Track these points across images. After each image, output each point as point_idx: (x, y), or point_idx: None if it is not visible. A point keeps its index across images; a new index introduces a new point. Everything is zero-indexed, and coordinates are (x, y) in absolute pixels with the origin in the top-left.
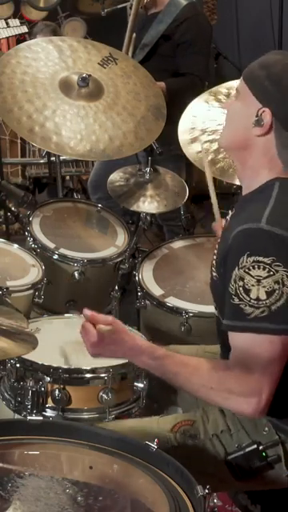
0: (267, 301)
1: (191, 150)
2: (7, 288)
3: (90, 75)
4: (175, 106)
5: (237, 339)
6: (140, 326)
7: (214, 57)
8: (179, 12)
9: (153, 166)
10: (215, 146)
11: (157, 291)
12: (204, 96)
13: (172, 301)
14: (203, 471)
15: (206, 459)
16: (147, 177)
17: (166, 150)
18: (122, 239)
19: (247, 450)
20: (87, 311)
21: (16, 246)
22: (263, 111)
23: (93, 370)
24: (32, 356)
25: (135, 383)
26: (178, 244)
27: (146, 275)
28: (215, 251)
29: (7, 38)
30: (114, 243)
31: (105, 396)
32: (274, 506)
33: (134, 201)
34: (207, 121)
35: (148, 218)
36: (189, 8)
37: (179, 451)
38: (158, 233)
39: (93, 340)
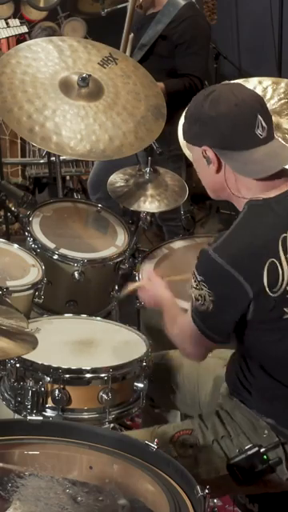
0: (196, 302)
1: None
2: (7, 288)
3: (89, 75)
4: (175, 106)
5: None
6: (140, 326)
7: (214, 57)
8: (177, 12)
9: (153, 166)
10: None
11: None
12: None
13: None
14: (205, 479)
15: (208, 466)
16: (147, 177)
17: (165, 150)
18: (122, 239)
19: (249, 453)
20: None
21: (16, 245)
22: (204, 150)
23: (93, 370)
24: (32, 356)
25: (135, 383)
26: (177, 244)
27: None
28: None
29: (7, 38)
30: (114, 243)
31: (105, 396)
32: (272, 505)
33: (135, 201)
34: None
35: (148, 218)
36: (187, 8)
37: (180, 461)
38: (158, 233)
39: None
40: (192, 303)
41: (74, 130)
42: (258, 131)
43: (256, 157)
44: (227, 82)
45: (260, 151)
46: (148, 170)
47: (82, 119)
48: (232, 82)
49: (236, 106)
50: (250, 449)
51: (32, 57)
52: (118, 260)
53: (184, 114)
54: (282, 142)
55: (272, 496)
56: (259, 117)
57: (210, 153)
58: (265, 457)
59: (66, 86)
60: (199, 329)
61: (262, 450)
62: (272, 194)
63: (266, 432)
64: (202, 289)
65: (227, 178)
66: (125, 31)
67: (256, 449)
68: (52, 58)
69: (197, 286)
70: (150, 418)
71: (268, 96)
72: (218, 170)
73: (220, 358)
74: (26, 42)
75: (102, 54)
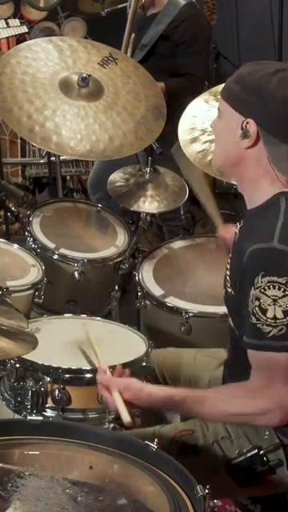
0: (284, 319)
1: (191, 150)
2: (7, 288)
3: (89, 75)
4: (175, 106)
5: (256, 356)
6: (140, 326)
7: (214, 57)
8: (178, 12)
9: (153, 166)
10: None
11: (157, 291)
12: (204, 96)
13: (172, 301)
14: (205, 480)
15: (207, 467)
16: (147, 177)
17: (165, 150)
18: (122, 239)
19: (248, 455)
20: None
21: (16, 245)
22: (247, 122)
23: (93, 370)
24: (32, 356)
25: None
26: (178, 244)
27: (146, 275)
28: (227, 266)
29: (7, 38)
30: (114, 243)
31: None
32: (274, 506)
33: (134, 201)
34: (207, 121)
35: (148, 218)
36: (187, 8)
37: (180, 461)
38: (158, 233)
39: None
40: (262, 334)
41: (74, 130)
42: None
43: None
44: None
45: None
46: (148, 169)
47: (82, 119)
48: None
49: None
50: (249, 450)
51: (32, 57)
52: (118, 260)
53: (238, 73)
54: None
55: (274, 497)
56: None
57: (253, 129)
58: (265, 458)
59: (65, 86)
60: None
61: (262, 451)
62: None
63: (267, 433)
64: None
65: (254, 160)
66: (126, 32)
67: (255, 451)
68: (52, 58)
69: (284, 291)
70: (149, 416)
71: None
72: (250, 148)
73: (214, 357)
74: (26, 42)
75: (102, 53)
